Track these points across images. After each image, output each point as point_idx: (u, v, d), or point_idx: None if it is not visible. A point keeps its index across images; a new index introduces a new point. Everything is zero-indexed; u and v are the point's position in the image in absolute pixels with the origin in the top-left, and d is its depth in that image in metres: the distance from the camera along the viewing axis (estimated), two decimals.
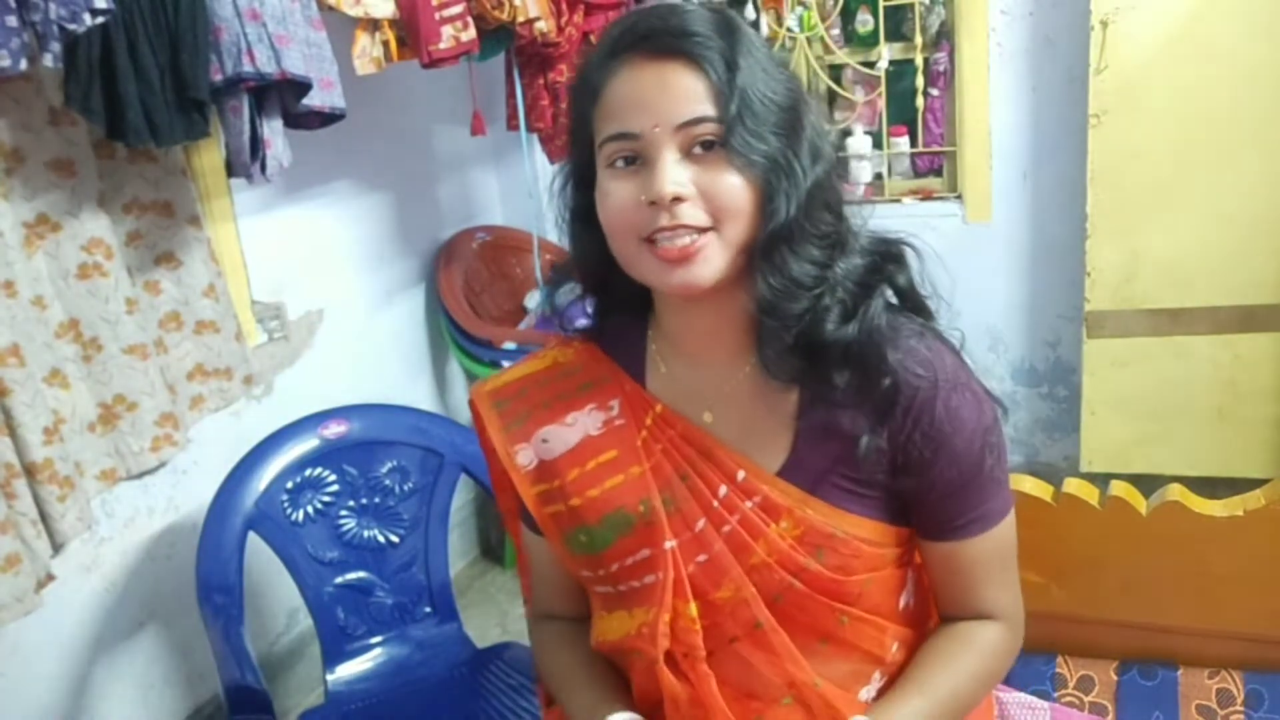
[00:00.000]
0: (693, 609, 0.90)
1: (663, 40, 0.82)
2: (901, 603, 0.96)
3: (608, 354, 0.99)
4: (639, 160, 0.83)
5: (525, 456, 0.97)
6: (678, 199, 0.81)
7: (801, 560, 0.88)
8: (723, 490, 0.90)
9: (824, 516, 0.89)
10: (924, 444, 0.87)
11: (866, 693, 0.94)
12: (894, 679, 0.95)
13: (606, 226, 0.87)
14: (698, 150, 0.82)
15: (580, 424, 0.96)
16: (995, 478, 0.91)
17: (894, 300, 0.92)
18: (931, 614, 1.01)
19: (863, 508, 0.90)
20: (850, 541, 0.89)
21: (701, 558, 0.90)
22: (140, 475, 1.92)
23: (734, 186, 0.82)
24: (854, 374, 0.87)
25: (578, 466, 0.94)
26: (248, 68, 1.60)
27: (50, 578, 1.68)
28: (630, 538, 0.92)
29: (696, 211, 0.82)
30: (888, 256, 0.91)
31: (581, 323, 1.02)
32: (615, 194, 0.84)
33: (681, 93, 0.81)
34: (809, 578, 0.89)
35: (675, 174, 0.81)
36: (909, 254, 0.92)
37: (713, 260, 0.83)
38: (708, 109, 0.81)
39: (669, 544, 0.90)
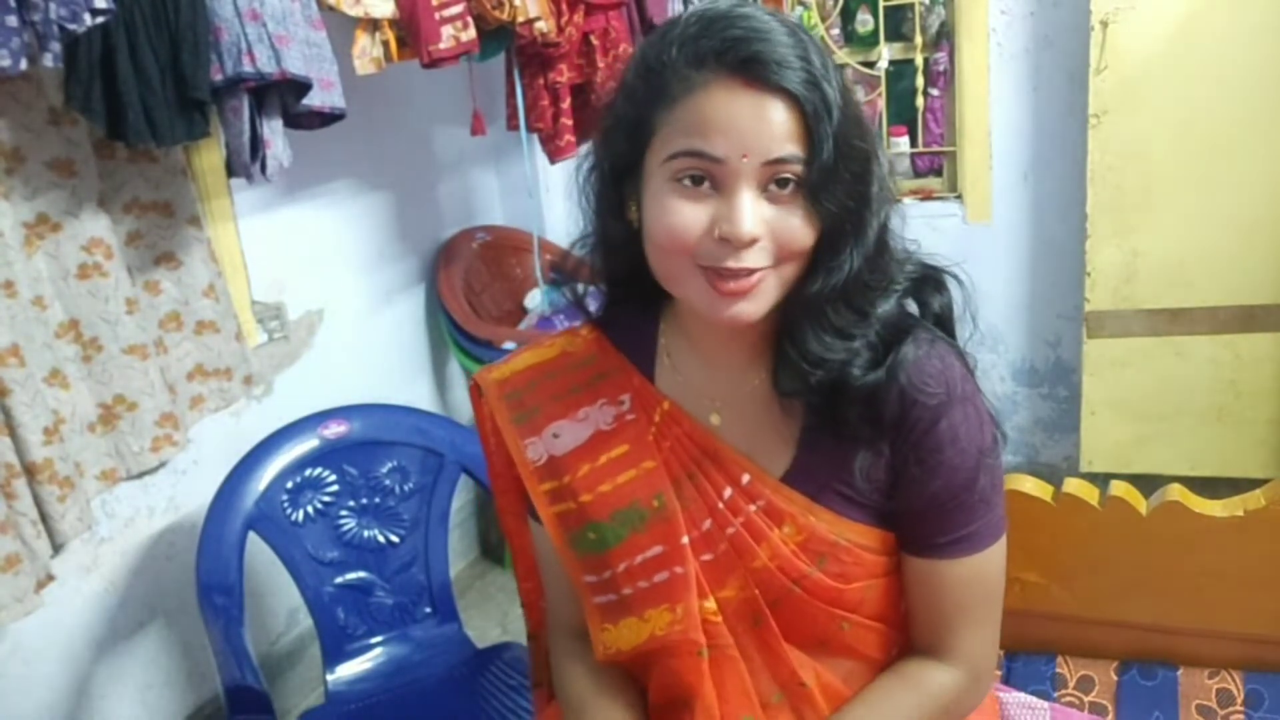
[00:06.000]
0: (711, 603, 0.89)
1: (768, 71, 0.77)
2: (904, 606, 0.95)
3: (616, 347, 0.97)
4: (708, 182, 0.79)
5: (535, 451, 0.95)
6: (753, 240, 0.78)
7: (804, 567, 0.88)
8: (728, 492, 0.90)
9: (827, 524, 0.88)
10: (921, 455, 0.87)
11: None
12: None
13: (657, 242, 0.82)
14: (773, 187, 0.79)
15: (591, 418, 0.94)
16: (986, 499, 0.89)
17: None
18: None
19: (866, 515, 0.90)
20: (852, 550, 0.89)
21: (706, 556, 0.90)
22: (140, 475, 1.92)
23: (805, 232, 0.80)
24: (866, 407, 0.86)
25: (588, 461, 0.93)
26: (248, 68, 1.60)
27: (50, 578, 1.68)
28: (642, 534, 0.90)
29: (763, 254, 0.79)
30: (927, 281, 0.90)
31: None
32: (679, 214, 0.80)
33: (778, 129, 0.77)
34: (810, 584, 0.88)
35: (758, 212, 0.78)
36: (950, 283, 0.92)
37: (767, 296, 0.81)
38: (798, 150, 0.78)
39: (684, 539, 0.89)
